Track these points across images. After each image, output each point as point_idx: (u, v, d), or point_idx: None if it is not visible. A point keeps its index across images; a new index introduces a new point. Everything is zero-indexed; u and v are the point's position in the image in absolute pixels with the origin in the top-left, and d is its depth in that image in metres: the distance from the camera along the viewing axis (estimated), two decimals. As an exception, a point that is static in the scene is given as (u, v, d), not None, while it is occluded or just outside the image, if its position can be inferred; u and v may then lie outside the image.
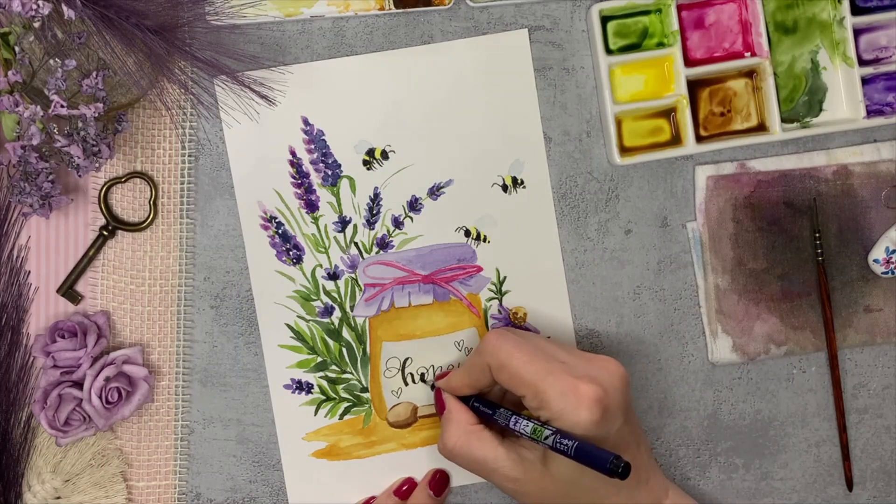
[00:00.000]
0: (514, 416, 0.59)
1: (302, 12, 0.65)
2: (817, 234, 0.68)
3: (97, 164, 0.60)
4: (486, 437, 0.60)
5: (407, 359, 0.67)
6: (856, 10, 0.67)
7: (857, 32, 0.67)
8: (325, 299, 0.66)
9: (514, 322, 0.67)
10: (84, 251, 0.65)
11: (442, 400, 0.64)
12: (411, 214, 0.66)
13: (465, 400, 0.63)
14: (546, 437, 0.56)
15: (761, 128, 0.67)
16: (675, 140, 0.67)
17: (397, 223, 0.66)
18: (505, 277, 0.67)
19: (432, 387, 0.66)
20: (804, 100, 0.68)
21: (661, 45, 0.67)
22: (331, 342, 0.66)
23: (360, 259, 0.66)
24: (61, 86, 0.57)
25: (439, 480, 0.66)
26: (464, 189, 0.66)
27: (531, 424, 0.57)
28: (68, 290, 0.64)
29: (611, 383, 0.57)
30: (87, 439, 0.64)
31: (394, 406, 0.67)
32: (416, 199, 0.66)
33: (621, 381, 0.58)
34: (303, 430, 0.66)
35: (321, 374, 0.66)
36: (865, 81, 0.67)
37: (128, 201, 0.65)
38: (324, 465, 0.66)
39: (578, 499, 0.59)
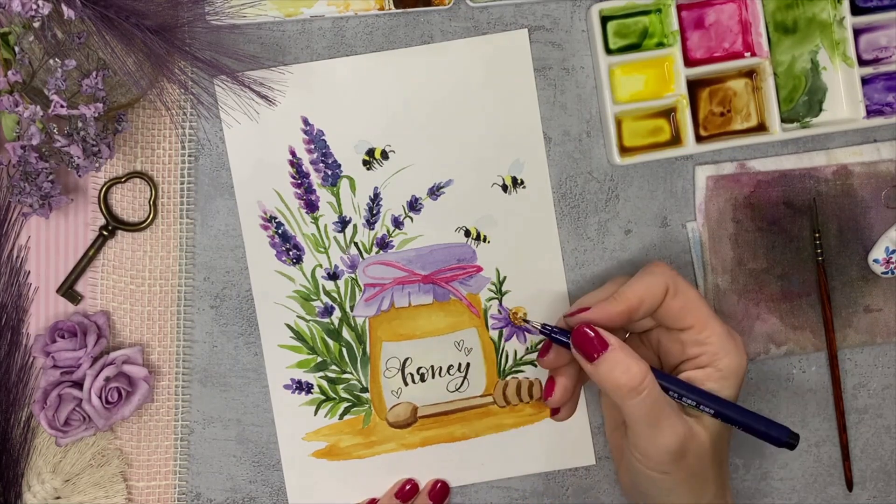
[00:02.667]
0: (694, 393, 0.58)
1: (302, 12, 0.65)
2: (817, 234, 0.68)
3: (97, 164, 0.60)
4: (673, 404, 0.57)
5: (407, 359, 0.67)
6: (856, 10, 0.67)
7: (857, 32, 0.67)
8: (325, 299, 0.66)
9: (514, 322, 0.67)
10: (84, 251, 0.65)
11: (592, 338, 0.57)
12: (411, 214, 0.66)
13: None
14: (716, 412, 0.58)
15: (761, 128, 0.67)
16: (675, 140, 0.67)
17: (397, 223, 0.66)
18: (505, 277, 0.67)
19: (550, 329, 0.60)
20: (804, 100, 0.68)
21: (661, 45, 0.67)
22: (331, 342, 0.66)
23: (360, 259, 0.66)
24: (61, 86, 0.57)
25: (440, 491, 0.66)
26: (464, 189, 0.66)
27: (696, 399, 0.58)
28: (68, 290, 0.64)
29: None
30: (87, 439, 0.64)
31: (394, 406, 0.67)
32: (416, 199, 0.66)
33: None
34: (303, 430, 0.66)
35: (321, 374, 0.66)
36: (865, 81, 0.67)
37: (128, 201, 0.65)
38: (324, 465, 0.66)
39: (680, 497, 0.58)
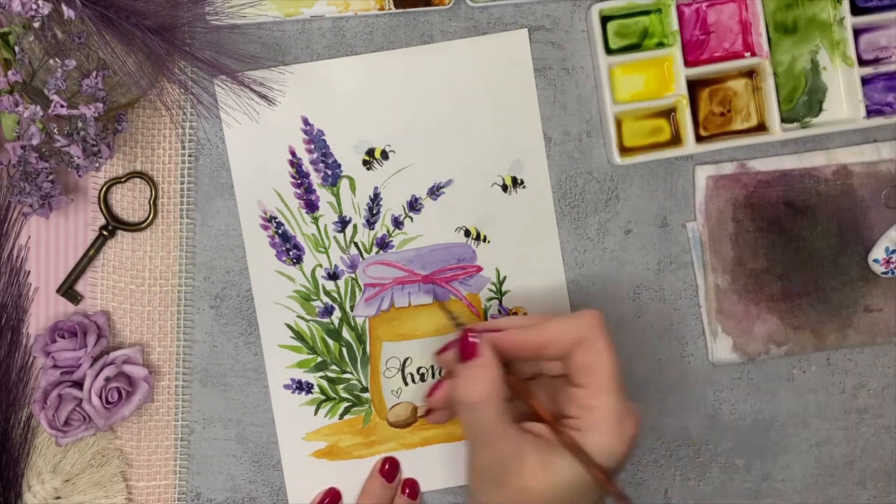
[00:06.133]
0: None
1: (302, 12, 0.65)
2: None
3: (97, 164, 0.60)
4: (513, 425, 0.54)
5: (407, 359, 0.67)
6: (856, 10, 0.67)
7: (857, 32, 0.67)
8: (325, 299, 0.66)
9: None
10: (84, 251, 0.65)
11: (471, 345, 0.55)
12: (411, 214, 0.66)
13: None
14: None
15: (761, 128, 0.67)
16: (675, 140, 0.67)
17: (397, 223, 0.66)
18: (505, 277, 0.67)
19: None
20: (804, 100, 0.68)
21: (661, 45, 0.67)
22: (331, 342, 0.66)
23: (360, 259, 0.66)
24: (61, 86, 0.57)
25: (390, 469, 0.66)
26: (464, 189, 0.66)
27: None
28: (68, 290, 0.64)
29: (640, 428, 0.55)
30: (87, 439, 0.64)
31: (394, 406, 0.67)
32: (416, 199, 0.66)
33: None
34: (303, 430, 0.66)
35: (321, 374, 0.66)
36: (865, 81, 0.67)
37: (128, 201, 0.65)
38: (324, 465, 0.66)
39: None
